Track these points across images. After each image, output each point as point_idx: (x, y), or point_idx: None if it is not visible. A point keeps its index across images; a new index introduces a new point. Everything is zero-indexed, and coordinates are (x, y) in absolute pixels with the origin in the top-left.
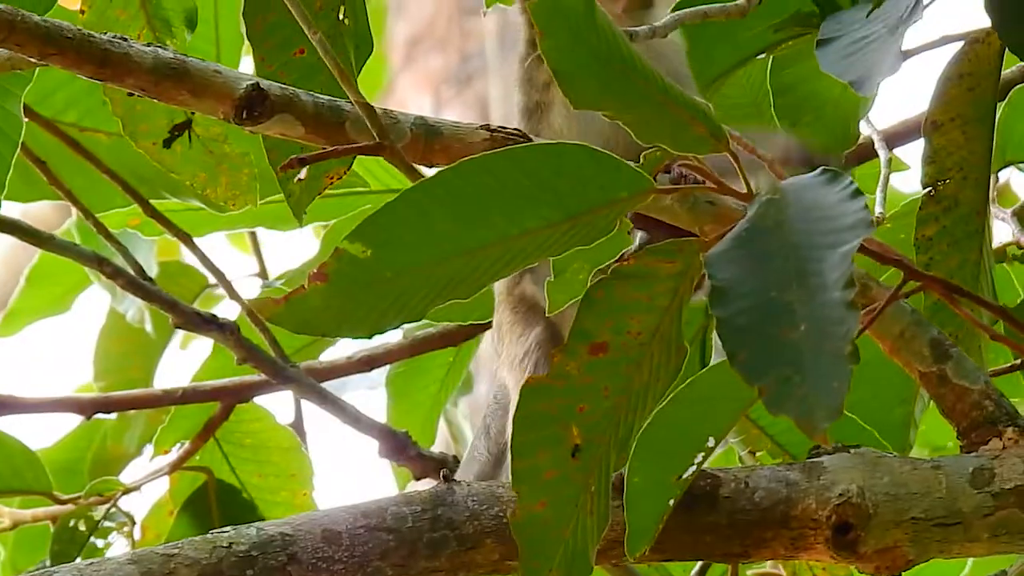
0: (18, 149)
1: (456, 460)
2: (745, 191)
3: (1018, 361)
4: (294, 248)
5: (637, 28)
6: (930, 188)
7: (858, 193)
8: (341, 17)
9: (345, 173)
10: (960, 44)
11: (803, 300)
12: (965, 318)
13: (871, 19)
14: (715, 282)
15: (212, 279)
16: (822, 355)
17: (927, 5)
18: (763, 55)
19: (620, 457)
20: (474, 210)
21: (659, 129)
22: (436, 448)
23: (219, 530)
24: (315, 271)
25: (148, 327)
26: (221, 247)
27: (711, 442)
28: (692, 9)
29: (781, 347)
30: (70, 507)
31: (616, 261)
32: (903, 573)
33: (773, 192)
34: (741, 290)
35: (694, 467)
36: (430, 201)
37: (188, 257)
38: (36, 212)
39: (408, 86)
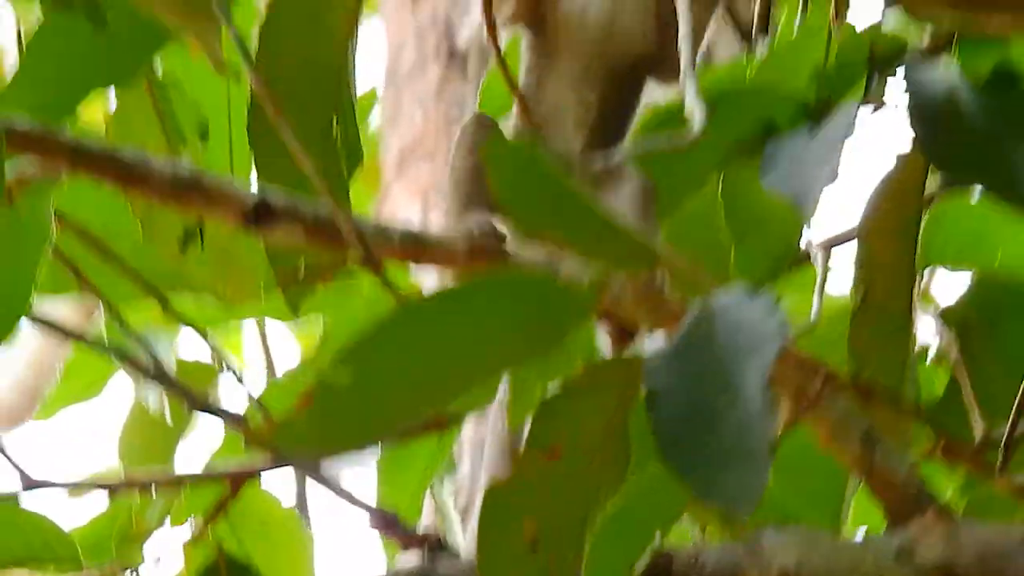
0: (49, 252)
1: (438, 536)
2: (678, 306)
3: (936, 450)
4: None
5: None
6: (861, 296)
7: (777, 307)
8: (335, 132)
9: (334, 276)
10: (890, 156)
11: (727, 406)
12: (882, 417)
13: (810, 140)
14: (650, 389)
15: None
16: (743, 455)
17: (860, 123)
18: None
19: (577, 554)
20: (446, 337)
21: (597, 251)
22: (424, 522)
23: None
24: (302, 398)
25: (167, 414)
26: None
27: (658, 535)
28: (641, 145)
29: (707, 447)
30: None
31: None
32: None
33: (704, 308)
34: (673, 397)
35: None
36: (405, 330)
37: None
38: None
39: (400, 192)
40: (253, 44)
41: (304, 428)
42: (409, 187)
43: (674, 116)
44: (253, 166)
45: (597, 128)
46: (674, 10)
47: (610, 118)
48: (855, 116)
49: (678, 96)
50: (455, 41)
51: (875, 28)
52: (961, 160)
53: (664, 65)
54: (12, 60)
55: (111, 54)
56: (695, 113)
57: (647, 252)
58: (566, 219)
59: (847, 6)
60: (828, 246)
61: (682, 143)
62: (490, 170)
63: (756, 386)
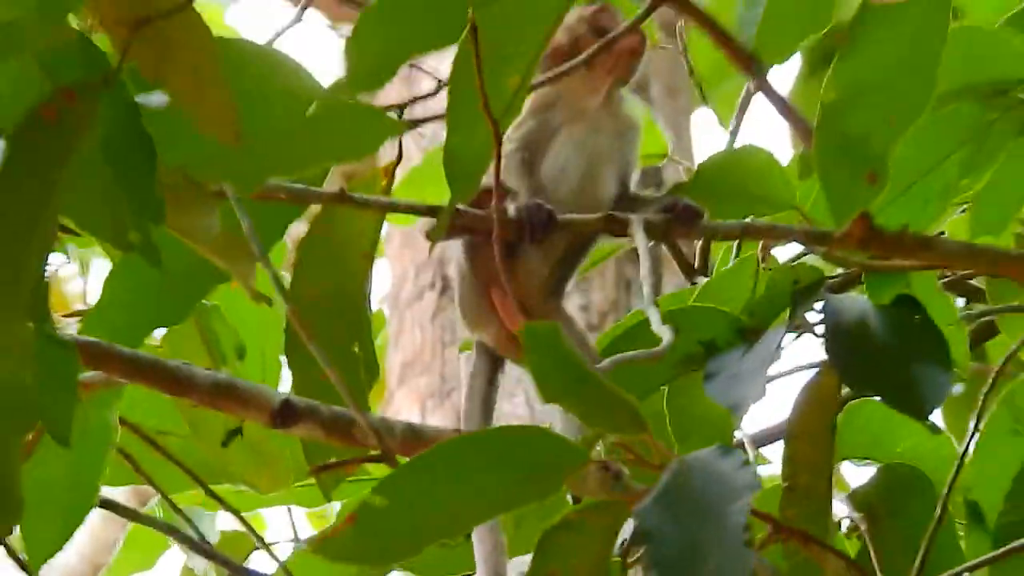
0: (112, 449)
1: None
2: (659, 463)
3: None
4: None
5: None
6: (788, 483)
7: (747, 463)
8: (356, 350)
9: (358, 466)
10: (810, 372)
11: (711, 542)
12: (817, 561)
13: (744, 359)
14: (643, 528)
15: None
16: None
17: (783, 348)
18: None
19: None
20: (459, 475)
21: (600, 417)
22: None
23: None
24: (348, 516)
25: None
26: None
27: None
28: (623, 355)
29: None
30: None
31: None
32: None
33: (681, 463)
34: (663, 536)
35: None
36: (429, 469)
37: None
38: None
39: (402, 399)
40: (285, 279)
41: (347, 541)
42: (410, 395)
43: (632, 333)
44: (280, 381)
45: (557, 265)
46: (624, 190)
47: (569, 259)
48: (780, 342)
49: (634, 317)
50: (448, 275)
51: (798, 258)
52: (867, 377)
53: (616, 206)
54: (77, 288)
55: (170, 297)
56: (664, 334)
57: (639, 421)
58: (580, 388)
59: (769, 251)
60: (758, 443)
61: (654, 355)
62: (528, 348)
63: (737, 526)
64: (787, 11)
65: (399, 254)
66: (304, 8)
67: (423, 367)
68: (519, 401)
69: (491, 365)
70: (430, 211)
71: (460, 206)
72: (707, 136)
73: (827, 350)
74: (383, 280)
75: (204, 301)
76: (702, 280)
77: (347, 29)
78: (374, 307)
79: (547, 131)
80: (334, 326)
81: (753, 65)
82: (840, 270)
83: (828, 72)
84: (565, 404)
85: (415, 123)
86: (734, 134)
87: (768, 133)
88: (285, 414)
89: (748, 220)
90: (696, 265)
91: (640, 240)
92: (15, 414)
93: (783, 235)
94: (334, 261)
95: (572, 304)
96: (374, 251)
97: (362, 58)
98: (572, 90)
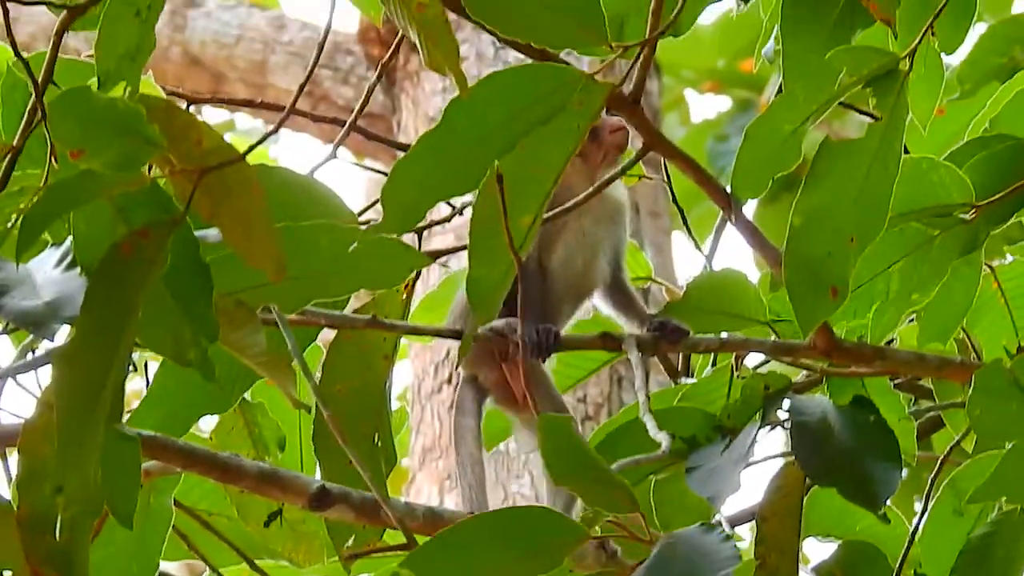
0: (169, 529)
1: None
2: (649, 539)
3: None
4: None
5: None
6: (759, 561)
7: (729, 538)
8: (376, 440)
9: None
10: (780, 460)
11: None
12: None
13: (722, 456)
14: None
15: None
16: None
17: (756, 443)
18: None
19: None
20: (474, 551)
21: (600, 498)
22: None
23: None
24: None
25: None
26: None
27: None
28: (630, 459)
29: None
30: None
31: None
32: None
33: (670, 538)
34: None
35: None
36: (447, 547)
37: None
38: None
39: (423, 479)
40: (316, 376)
41: None
42: (430, 477)
43: (624, 429)
44: (316, 468)
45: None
46: (617, 269)
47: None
48: (753, 440)
49: (626, 415)
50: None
51: (767, 362)
52: (827, 473)
53: (611, 295)
54: (135, 386)
55: (214, 389)
56: (662, 440)
57: (633, 501)
58: (584, 473)
59: (743, 359)
60: (734, 523)
61: (653, 459)
62: (543, 442)
63: None
64: (760, 153)
65: (420, 353)
66: (337, 146)
67: (441, 451)
68: (525, 482)
69: (477, 396)
70: (454, 335)
71: (480, 330)
72: (686, 251)
73: (792, 447)
74: (406, 376)
75: (248, 398)
76: (684, 380)
77: (369, 161)
78: (397, 403)
79: (557, 225)
80: (358, 419)
81: (729, 201)
82: (805, 372)
83: (794, 200)
84: (571, 486)
85: (438, 254)
86: (711, 255)
87: (737, 247)
88: (321, 498)
89: (725, 335)
90: (679, 368)
91: (633, 356)
92: (86, 503)
93: (755, 348)
94: (360, 362)
95: (569, 397)
96: (395, 354)
97: (395, 204)
98: (572, 183)
